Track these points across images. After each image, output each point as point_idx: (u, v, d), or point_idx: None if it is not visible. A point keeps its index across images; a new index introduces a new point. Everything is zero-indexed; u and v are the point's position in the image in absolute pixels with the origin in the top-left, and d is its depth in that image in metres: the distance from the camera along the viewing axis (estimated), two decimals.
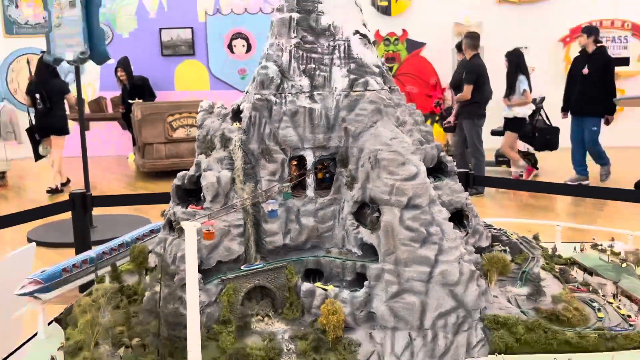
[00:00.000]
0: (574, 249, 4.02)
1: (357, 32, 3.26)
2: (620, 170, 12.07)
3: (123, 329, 2.78)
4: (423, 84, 16.19)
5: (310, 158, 3.14)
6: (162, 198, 4.70)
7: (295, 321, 2.89)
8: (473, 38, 11.19)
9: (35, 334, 3.12)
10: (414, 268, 2.74)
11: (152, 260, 3.27)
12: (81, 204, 5.08)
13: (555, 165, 12.73)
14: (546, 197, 10.34)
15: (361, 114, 3.07)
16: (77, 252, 4.29)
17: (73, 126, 12.38)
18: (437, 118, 15.14)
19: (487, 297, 2.91)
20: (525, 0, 16.00)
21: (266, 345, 2.67)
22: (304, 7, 3.22)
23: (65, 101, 11.91)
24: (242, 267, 2.97)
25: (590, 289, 3.29)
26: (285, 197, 3.06)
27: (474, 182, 5.78)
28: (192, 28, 16.58)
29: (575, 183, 11.04)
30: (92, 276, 3.41)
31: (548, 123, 12.37)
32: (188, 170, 3.24)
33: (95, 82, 16.78)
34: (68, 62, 8.62)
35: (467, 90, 10.79)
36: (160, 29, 16.54)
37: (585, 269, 3.59)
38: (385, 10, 16.28)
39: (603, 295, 3.22)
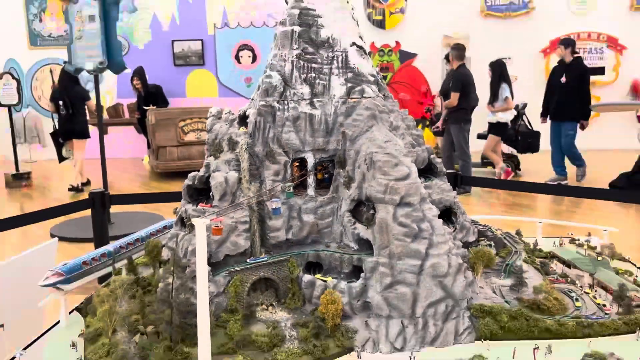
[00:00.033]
0: (554, 243, 4.03)
1: (353, 44, 3.26)
2: (596, 171, 12.07)
3: (138, 317, 2.79)
4: (415, 91, 16.18)
5: (310, 160, 3.14)
6: (175, 197, 4.70)
7: (297, 310, 2.89)
8: (459, 49, 11.19)
9: (58, 322, 3.12)
10: (406, 261, 2.74)
11: (165, 254, 3.27)
12: (100, 202, 5.08)
13: (537, 166, 12.72)
14: (528, 195, 10.34)
15: (358, 119, 3.07)
16: (96, 247, 4.28)
17: (93, 130, 12.37)
18: (427, 123, 15.12)
19: (474, 287, 2.91)
20: (509, 15, 15.99)
21: (270, 332, 2.67)
22: (305, 21, 3.22)
23: (86, 107, 11.91)
24: (248, 260, 2.97)
25: (569, 280, 3.29)
26: (287, 196, 3.07)
27: (461, 182, 5.77)
28: (202, 40, 16.57)
29: (555, 183, 11.04)
30: (110, 269, 3.42)
31: (530, 127, 12.37)
32: (198, 171, 3.24)
33: (113, 90, 16.76)
34: (88, 71, 8.62)
35: (454, 97, 10.80)
36: (173, 41, 16.53)
37: (564, 262, 3.59)
38: (380, 24, 16.27)
39: (580, 286, 3.22)
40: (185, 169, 11.13)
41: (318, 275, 2.95)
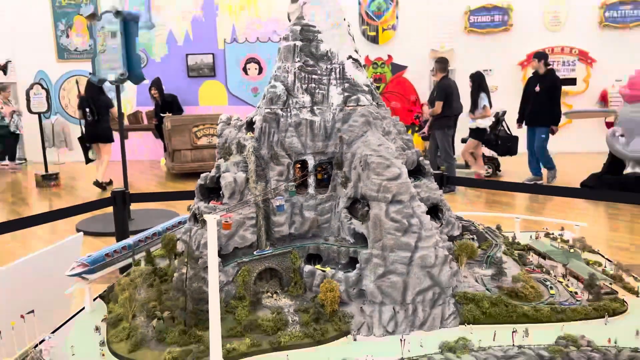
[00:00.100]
0: (530, 237, 4.02)
1: (350, 57, 3.26)
2: (569, 172, 12.06)
3: (156, 303, 2.78)
4: (405, 100, 16.16)
5: (311, 162, 3.14)
6: (188, 195, 4.69)
7: (299, 297, 2.89)
8: (442, 62, 11.19)
9: (83, 308, 3.12)
10: (398, 253, 2.74)
11: (180, 247, 3.27)
12: (121, 200, 5.07)
13: (515, 167, 12.71)
14: (507, 194, 10.33)
15: (353, 125, 3.06)
16: (118, 240, 4.27)
17: (115, 135, 12.36)
18: (416, 129, 15.10)
19: (458, 277, 2.90)
20: (490, 31, 15.98)
21: (275, 317, 2.66)
22: (306, 37, 3.21)
23: (110, 114, 11.92)
24: (255, 253, 2.96)
25: (544, 270, 3.29)
26: (290, 195, 3.06)
27: (447, 181, 5.76)
28: (213, 54, 16.54)
29: (531, 182, 11.03)
30: (130, 260, 3.41)
31: (509, 132, 12.37)
32: (210, 172, 3.23)
33: (132, 99, 16.74)
34: (110, 82, 8.59)
35: (438, 106, 10.79)
36: (187, 55, 16.50)
37: (539, 254, 3.59)
38: (374, 39, 16.25)
39: (554, 276, 3.22)
40: (198, 170, 11.12)
41: (318, 266, 2.95)
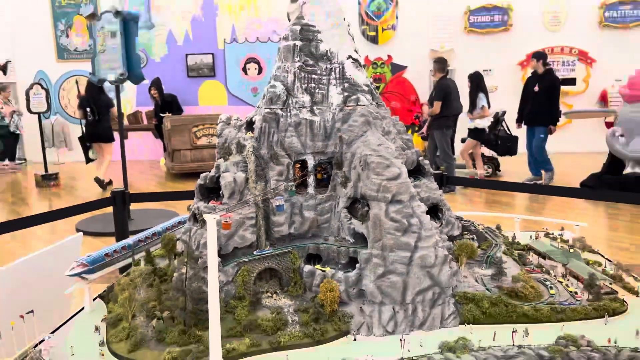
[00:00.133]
0: (530, 237, 4.02)
1: (350, 57, 3.26)
2: (569, 172, 12.06)
3: (155, 303, 2.78)
4: (405, 100, 16.16)
5: (311, 161, 3.13)
6: (188, 195, 4.69)
7: (299, 297, 2.89)
8: (441, 62, 11.19)
9: (82, 308, 3.11)
10: (397, 253, 2.73)
11: (180, 247, 3.26)
12: (121, 200, 5.06)
13: (515, 167, 12.71)
14: (507, 194, 10.33)
15: (353, 125, 3.06)
16: (117, 240, 4.27)
17: (115, 135, 12.37)
18: (416, 129, 15.11)
19: (458, 277, 2.90)
20: (490, 31, 15.99)
21: (274, 317, 2.66)
22: (306, 37, 3.21)
23: (110, 114, 11.93)
24: (255, 253, 2.96)
25: (544, 270, 3.29)
26: (290, 194, 3.06)
27: (447, 181, 5.76)
28: (213, 54, 16.55)
29: (531, 182, 11.04)
30: (130, 260, 3.41)
31: (508, 132, 12.38)
32: (209, 171, 3.23)
33: (132, 99, 16.74)
34: (110, 82, 8.59)
35: (437, 106, 10.79)
36: (187, 55, 16.51)
37: (539, 254, 3.59)
38: (373, 39, 16.25)
39: (554, 276, 3.22)
40: (197, 170, 11.12)
41: (317, 266, 2.95)
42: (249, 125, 3.32)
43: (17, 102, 16.25)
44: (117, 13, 8.13)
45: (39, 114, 13.02)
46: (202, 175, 3.24)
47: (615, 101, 14.93)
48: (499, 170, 12.66)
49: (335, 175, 3.12)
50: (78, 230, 7.46)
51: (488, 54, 15.72)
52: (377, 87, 14.90)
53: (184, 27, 16.49)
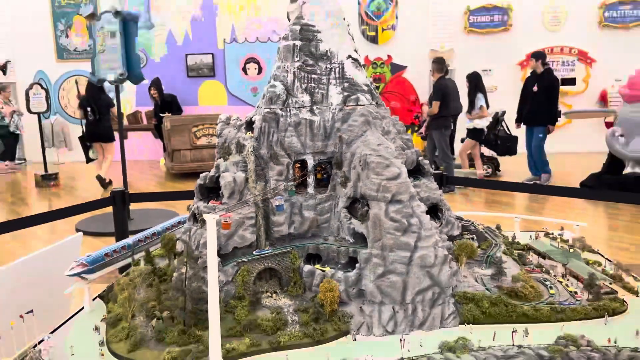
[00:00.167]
0: (530, 237, 4.02)
1: (349, 56, 3.26)
2: (569, 172, 12.07)
3: (155, 303, 2.78)
4: (404, 100, 16.17)
5: (310, 161, 3.13)
6: (188, 195, 4.68)
7: (298, 297, 2.89)
8: (439, 62, 11.20)
9: (82, 308, 3.11)
10: (397, 253, 2.73)
11: (179, 247, 3.26)
12: (121, 200, 5.06)
13: (514, 167, 12.72)
14: (507, 194, 10.34)
15: (353, 125, 3.06)
16: (117, 240, 4.27)
17: (116, 134, 12.38)
18: (416, 128, 15.12)
19: (458, 277, 2.90)
20: (490, 31, 15.99)
21: (274, 317, 2.66)
22: (306, 36, 3.21)
23: (111, 113, 11.95)
24: (254, 252, 2.96)
25: (544, 270, 3.28)
26: (290, 194, 3.06)
27: (446, 181, 5.77)
28: (212, 54, 16.55)
29: (531, 182, 11.04)
30: (129, 260, 3.41)
31: (508, 132, 12.39)
32: (209, 171, 3.23)
33: (132, 99, 16.74)
34: (109, 82, 8.59)
35: (435, 106, 10.80)
36: (186, 55, 16.52)
37: (539, 254, 3.59)
38: (373, 39, 16.26)
39: (554, 276, 3.21)
40: (197, 170, 11.13)
41: (317, 266, 2.95)
42: (249, 125, 3.32)
43: (17, 102, 16.24)
44: (117, 13, 8.13)
45: (38, 114, 13.02)
46: (202, 175, 3.24)
47: (615, 101, 14.94)
48: (499, 170, 12.67)
49: (335, 175, 3.12)
50: (78, 230, 7.46)
51: (488, 54, 15.73)
52: (377, 87, 14.90)
53: (183, 27, 16.50)
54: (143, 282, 2.90)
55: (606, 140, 10.30)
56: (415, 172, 3.38)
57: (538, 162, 11.49)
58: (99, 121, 11.72)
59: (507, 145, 12.20)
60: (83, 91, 12.17)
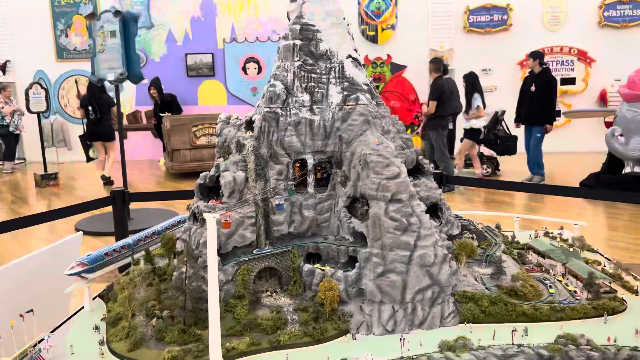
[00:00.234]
0: (530, 236, 4.02)
1: (349, 56, 3.26)
2: (569, 172, 12.07)
3: (155, 303, 2.78)
4: (404, 99, 16.17)
5: (310, 161, 3.13)
6: (188, 194, 4.69)
7: (298, 296, 2.89)
8: (436, 62, 11.19)
9: (82, 308, 3.11)
10: (397, 252, 2.74)
11: (179, 246, 3.27)
12: (120, 200, 5.06)
13: (514, 167, 12.72)
14: (506, 193, 10.34)
15: (353, 124, 3.06)
16: (117, 239, 4.27)
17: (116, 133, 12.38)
18: (416, 128, 15.13)
19: (458, 276, 2.90)
20: (489, 31, 15.99)
21: (274, 316, 2.66)
22: (305, 36, 3.21)
23: (111, 112, 11.97)
24: (254, 252, 2.96)
25: (543, 269, 3.29)
26: (289, 193, 3.06)
27: (446, 181, 5.77)
28: (212, 53, 16.54)
29: (530, 182, 11.04)
30: (129, 259, 3.41)
31: (508, 132, 12.39)
32: (209, 171, 3.23)
33: (132, 99, 16.72)
34: (109, 81, 8.59)
35: (432, 106, 10.79)
36: (186, 54, 16.50)
37: (538, 253, 3.59)
38: (373, 39, 16.25)
39: (554, 275, 3.22)
40: (197, 170, 11.12)
41: (317, 265, 2.95)
42: (249, 124, 3.32)
43: (17, 102, 16.23)
44: (117, 12, 8.12)
45: (38, 113, 13.01)
46: (202, 174, 3.24)
47: (614, 101, 14.93)
48: (499, 170, 12.67)
49: (334, 175, 3.12)
50: (77, 230, 7.46)
51: (487, 53, 15.72)
52: (377, 87, 14.89)
53: (183, 27, 16.49)
54: (143, 282, 2.90)
55: (605, 140, 10.30)
56: (415, 171, 3.39)
57: (533, 162, 11.49)
58: (100, 120, 11.79)
59: (507, 145, 12.20)
60: (83, 91, 12.20)
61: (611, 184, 9.94)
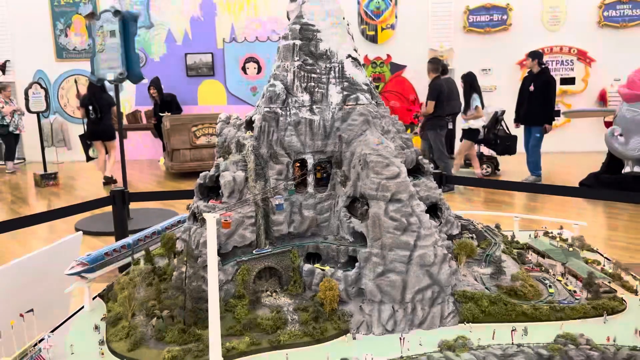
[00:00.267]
0: (529, 236, 4.03)
1: (349, 56, 3.26)
2: (568, 171, 12.07)
3: (155, 302, 2.78)
4: (404, 99, 16.17)
5: (310, 160, 3.14)
6: (187, 194, 4.69)
7: (298, 296, 2.89)
8: (434, 63, 11.18)
9: (82, 307, 3.11)
10: (397, 252, 2.74)
11: (179, 246, 3.27)
12: (120, 199, 5.06)
13: (514, 167, 12.73)
14: (506, 193, 10.35)
15: (353, 124, 3.07)
16: (117, 239, 4.27)
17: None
18: (415, 128, 15.12)
19: (457, 275, 2.91)
20: (489, 30, 15.99)
21: (274, 316, 2.67)
22: (305, 36, 3.21)
23: (112, 112, 11.98)
24: (254, 252, 2.96)
25: (543, 269, 3.29)
26: (289, 193, 3.06)
27: (446, 180, 5.77)
28: (212, 53, 16.54)
29: (530, 182, 11.05)
30: (129, 259, 3.41)
31: (507, 132, 12.39)
32: (209, 171, 3.23)
33: (131, 98, 16.72)
34: (109, 81, 8.59)
35: (430, 105, 10.78)
36: (186, 54, 16.50)
37: (538, 253, 3.59)
38: (373, 39, 16.25)
39: (553, 274, 3.22)
40: (197, 170, 11.11)
41: (317, 265, 2.95)
42: (249, 124, 3.32)
43: (17, 102, 16.22)
44: (116, 12, 8.12)
45: (38, 113, 13.00)
46: (202, 174, 3.24)
47: (614, 100, 14.93)
48: (498, 170, 12.68)
49: (334, 174, 3.12)
50: (77, 230, 7.46)
51: (487, 53, 15.73)
52: (377, 87, 14.89)
53: (183, 27, 16.49)
54: (143, 281, 2.90)
55: (605, 140, 10.30)
56: (415, 171, 3.39)
57: (532, 162, 11.49)
58: (101, 120, 11.82)
59: (507, 145, 12.21)
60: (82, 90, 12.21)
61: (611, 183, 9.94)
